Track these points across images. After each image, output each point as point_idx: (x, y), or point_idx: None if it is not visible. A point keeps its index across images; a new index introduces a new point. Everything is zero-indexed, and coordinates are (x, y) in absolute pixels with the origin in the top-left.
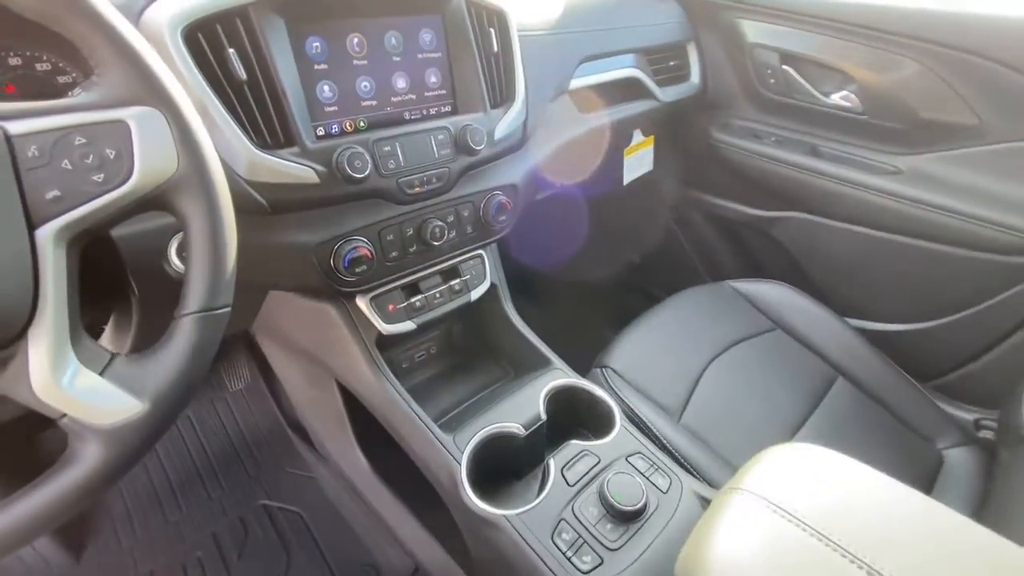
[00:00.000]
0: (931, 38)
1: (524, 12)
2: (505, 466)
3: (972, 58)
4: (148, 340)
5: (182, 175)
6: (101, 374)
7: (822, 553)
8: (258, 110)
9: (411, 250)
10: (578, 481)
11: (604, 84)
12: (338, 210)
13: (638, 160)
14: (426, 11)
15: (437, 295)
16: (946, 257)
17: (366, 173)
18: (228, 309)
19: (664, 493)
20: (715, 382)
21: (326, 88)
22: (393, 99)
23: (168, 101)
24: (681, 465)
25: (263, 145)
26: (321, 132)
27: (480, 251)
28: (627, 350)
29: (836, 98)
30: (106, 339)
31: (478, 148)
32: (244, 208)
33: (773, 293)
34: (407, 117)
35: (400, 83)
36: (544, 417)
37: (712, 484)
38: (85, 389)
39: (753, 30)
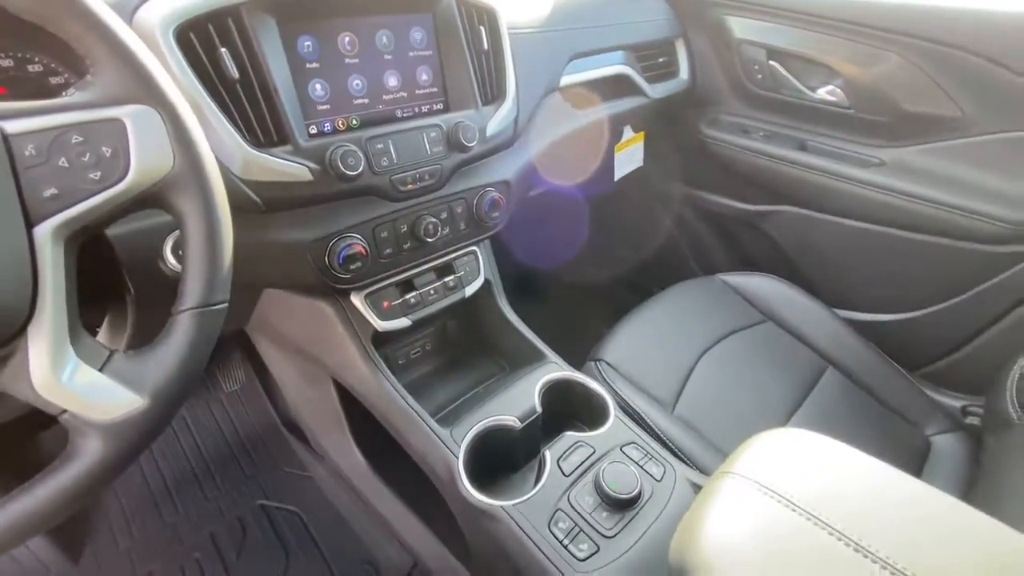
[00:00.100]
0: (914, 32)
1: (514, 10)
2: (502, 459)
3: (954, 52)
4: (144, 339)
5: (178, 172)
6: (100, 370)
7: (813, 534)
8: (251, 109)
9: (405, 247)
10: (574, 471)
11: (594, 81)
12: (332, 208)
13: (629, 156)
14: (417, 10)
15: (432, 292)
16: (931, 247)
17: (359, 170)
18: (225, 305)
19: (658, 481)
20: (707, 374)
21: (318, 87)
22: (385, 97)
23: (163, 99)
24: (675, 454)
25: (256, 143)
26: (314, 130)
27: (474, 247)
28: (621, 343)
29: (822, 92)
30: (102, 338)
31: (470, 145)
32: (238, 206)
33: (763, 286)
34: (399, 115)
35: (392, 81)
36: (539, 410)
37: (705, 472)
38: (85, 385)
39: (740, 26)
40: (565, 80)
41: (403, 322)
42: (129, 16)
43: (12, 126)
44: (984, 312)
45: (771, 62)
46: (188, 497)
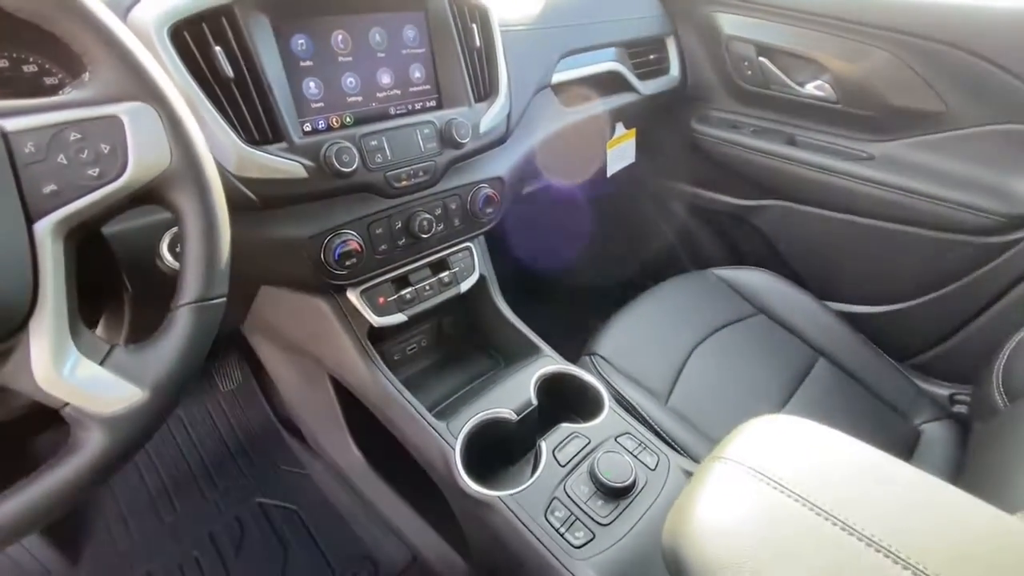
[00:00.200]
0: (900, 28)
1: (505, 8)
2: (498, 452)
3: (938, 47)
4: (141, 336)
5: (175, 169)
6: (101, 364)
7: (802, 515)
8: (245, 107)
9: (400, 243)
10: (569, 461)
11: (586, 78)
12: (327, 204)
13: (621, 153)
14: (409, 8)
15: (427, 287)
16: (919, 239)
17: (354, 167)
18: (224, 299)
19: (652, 470)
20: (700, 366)
21: (312, 84)
22: (378, 94)
23: (160, 97)
24: (668, 444)
25: (251, 141)
26: (308, 128)
27: (468, 243)
28: (615, 338)
29: (811, 88)
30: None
31: (463, 141)
32: (234, 203)
33: (755, 279)
34: (393, 112)
35: (385, 79)
36: (535, 402)
37: (698, 461)
38: (86, 378)
39: (729, 23)
40: (557, 77)
41: (399, 318)
42: (123, 15)
43: (11, 124)
44: (971, 302)
45: (760, 58)
46: (186, 497)
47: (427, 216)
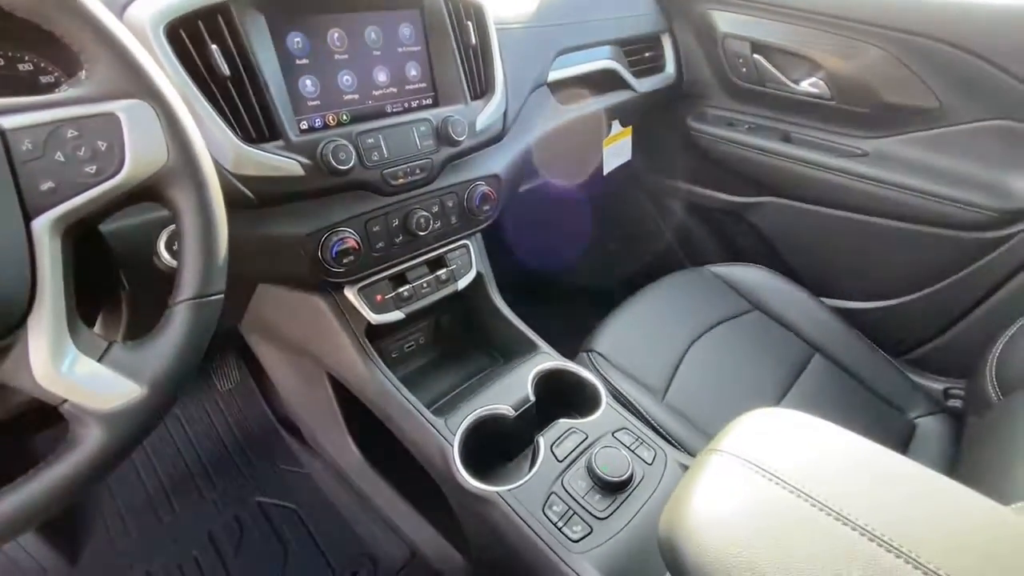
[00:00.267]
0: (893, 25)
1: (501, 6)
2: (497, 448)
3: (932, 43)
4: (138, 334)
5: (172, 165)
6: (99, 361)
7: (797, 506)
8: (242, 105)
9: (397, 240)
10: (567, 456)
11: (582, 76)
12: (324, 202)
13: (617, 150)
14: (404, 6)
15: (424, 285)
16: (913, 235)
17: (350, 165)
18: (221, 296)
19: (649, 465)
20: (697, 362)
21: (308, 82)
22: (375, 92)
23: (156, 94)
24: (665, 439)
25: (248, 139)
26: (305, 126)
27: (466, 241)
28: (612, 334)
29: (805, 85)
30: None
31: (460, 139)
32: (232, 201)
33: (751, 276)
34: (389, 110)
35: (381, 77)
36: (533, 398)
37: (695, 455)
38: (85, 375)
39: (724, 21)
40: (553, 75)
41: (396, 315)
42: (119, 13)
43: (8, 121)
44: (965, 297)
45: (755, 56)
46: (185, 497)
47: (424, 214)
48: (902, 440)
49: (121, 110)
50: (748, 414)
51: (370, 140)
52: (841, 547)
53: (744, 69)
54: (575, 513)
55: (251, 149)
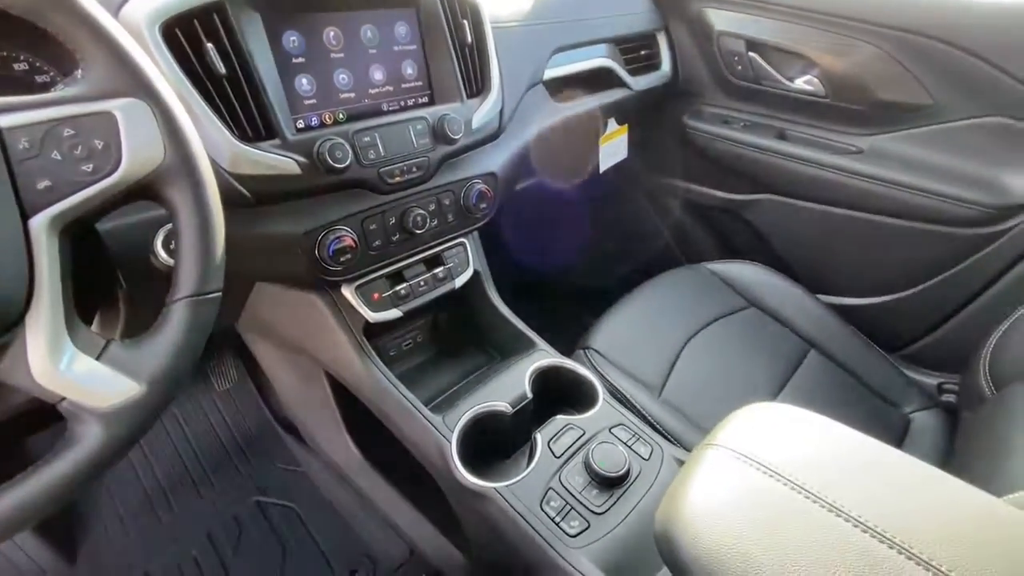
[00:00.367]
0: (887, 23)
1: (496, 4)
2: (494, 445)
3: (925, 41)
4: (136, 333)
5: (169, 164)
6: (97, 359)
7: (791, 499)
8: (238, 103)
9: (394, 239)
10: (564, 452)
11: (578, 74)
12: (321, 201)
13: (613, 148)
14: (400, 5)
15: (421, 283)
16: (907, 231)
17: (347, 163)
18: (219, 294)
19: (646, 460)
20: (693, 359)
21: (304, 81)
22: (371, 91)
23: (153, 93)
24: (662, 434)
25: (244, 138)
26: (301, 124)
27: (463, 239)
28: (609, 332)
29: (800, 83)
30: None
31: (456, 137)
32: (228, 200)
33: (747, 273)
34: (385, 108)
35: (377, 75)
36: (530, 395)
37: (691, 450)
38: (83, 373)
39: (719, 19)
40: (549, 73)
41: (394, 313)
42: (115, 12)
43: (5, 120)
44: (959, 293)
45: (751, 54)
46: (184, 496)
47: (421, 212)
48: (897, 434)
49: (117, 109)
50: (744, 408)
51: (366, 138)
52: (834, 538)
53: (740, 67)
54: (572, 508)
55: (247, 148)
